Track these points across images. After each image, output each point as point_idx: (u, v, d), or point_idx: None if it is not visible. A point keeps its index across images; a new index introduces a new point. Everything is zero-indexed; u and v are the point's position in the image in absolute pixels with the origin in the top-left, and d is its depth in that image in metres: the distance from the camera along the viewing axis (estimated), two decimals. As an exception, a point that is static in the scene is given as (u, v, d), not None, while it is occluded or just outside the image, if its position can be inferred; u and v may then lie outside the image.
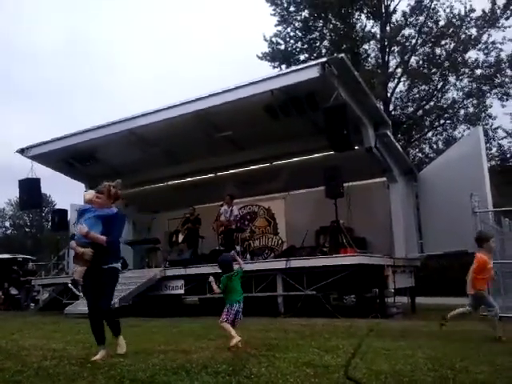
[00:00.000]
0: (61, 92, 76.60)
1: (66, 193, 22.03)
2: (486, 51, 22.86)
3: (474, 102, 23.99)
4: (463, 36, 22.83)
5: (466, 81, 23.78)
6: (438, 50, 23.61)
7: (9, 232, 53.14)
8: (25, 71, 76.69)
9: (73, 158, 13.30)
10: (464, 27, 22.95)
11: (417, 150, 26.57)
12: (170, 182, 14.30)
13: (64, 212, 14.91)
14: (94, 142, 12.18)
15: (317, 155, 11.56)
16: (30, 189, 13.04)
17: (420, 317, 9.72)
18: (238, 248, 11.72)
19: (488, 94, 23.65)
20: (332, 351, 4.50)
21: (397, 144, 11.73)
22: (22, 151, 13.03)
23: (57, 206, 37.97)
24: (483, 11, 22.37)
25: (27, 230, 52.70)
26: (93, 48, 76.77)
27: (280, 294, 9.44)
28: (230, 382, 3.54)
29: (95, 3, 78.16)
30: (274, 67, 25.20)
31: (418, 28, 23.64)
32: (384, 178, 11.64)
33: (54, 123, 61.87)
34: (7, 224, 53.93)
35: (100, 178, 14.25)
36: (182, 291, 10.56)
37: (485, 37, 22.71)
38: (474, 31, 22.86)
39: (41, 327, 7.74)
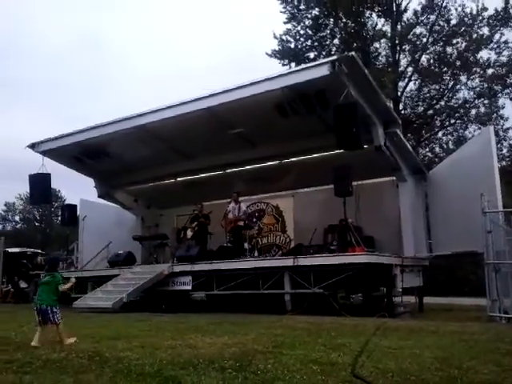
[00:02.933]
0: (72, 88, 76.82)
1: (76, 188, 22.23)
2: (498, 51, 22.58)
3: (486, 102, 23.80)
4: (475, 35, 22.59)
5: (477, 80, 23.54)
6: (449, 49, 23.38)
7: (19, 226, 53.56)
8: (36, 69, 77.03)
9: (83, 154, 13.35)
10: (476, 26, 22.70)
11: (427, 149, 26.39)
12: (178, 179, 14.33)
13: (74, 207, 15.02)
14: (104, 138, 12.23)
15: (326, 153, 11.52)
16: (40, 184, 13.12)
17: (428, 316, 9.70)
18: (245, 245, 11.74)
19: (500, 94, 23.43)
20: (339, 349, 4.50)
21: (406, 143, 11.67)
22: (32, 146, 13.12)
23: (66, 202, 38.32)
24: (496, 10, 22.14)
25: (37, 224, 53.06)
26: (105, 44, 77.06)
27: (287, 292, 9.44)
28: (237, 377, 3.56)
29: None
30: (284, 65, 25.13)
31: (429, 27, 23.43)
32: (393, 177, 11.60)
33: (66, 119, 62.02)
34: (17, 218, 54.39)
35: (109, 174, 14.53)
36: (189, 287, 10.59)
37: (497, 36, 22.43)
38: (486, 30, 22.60)
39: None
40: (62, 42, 74.97)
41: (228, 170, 13.36)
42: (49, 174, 13.10)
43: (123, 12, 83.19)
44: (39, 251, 21.49)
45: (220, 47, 77.70)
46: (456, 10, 22.90)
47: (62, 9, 77.52)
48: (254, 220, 14.28)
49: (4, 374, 3.81)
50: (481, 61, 22.88)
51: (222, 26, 77.70)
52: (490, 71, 23.04)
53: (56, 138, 12.95)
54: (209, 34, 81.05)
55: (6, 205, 53.18)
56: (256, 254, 12.55)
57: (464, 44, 22.74)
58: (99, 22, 73.77)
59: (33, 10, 75.32)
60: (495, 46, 22.58)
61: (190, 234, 12.52)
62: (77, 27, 71.94)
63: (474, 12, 22.49)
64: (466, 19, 22.77)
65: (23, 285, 15.89)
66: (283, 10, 25.04)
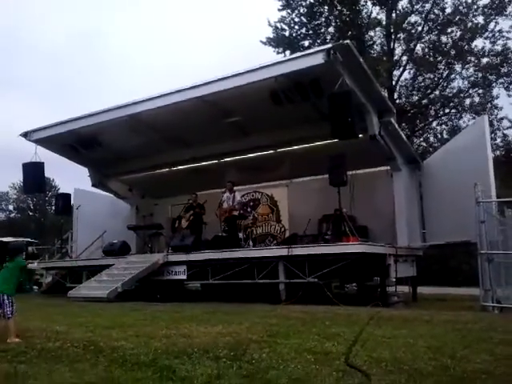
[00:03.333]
0: (72, 86, 76.08)
1: (70, 177, 22.12)
2: (492, 40, 22.57)
3: (480, 91, 23.80)
4: (470, 24, 22.54)
5: (471, 70, 23.53)
6: (444, 38, 23.34)
7: (12, 215, 53.32)
8: (36, 66, 76.14)
9: (76, 143, 13.25)
10: (471, 15, 22.65)
11: (421, 139, 26.44)
12: (173, 168, 14.28)
13: (68, 196, 14.96)
14: (97, 127, 12.13)
15: (320, 143, 11.49)
16: (33, 173, 13.03)
17: (421, 306, 9.76)
18: (240, 235, 11.75)
19: (494, 84, 23.44)
20: (333, 338, 4.53)
21: (401, 132, 11.67)
22: (25, 135, 13.01)
23: (60, 191, 38.16)
24: (490, -1, 22.10)
25: (30, 213, 52.84)
26: (104, 42, 76.29)
27: (282, 282, 9.48)
28: (232, 366, 3.58)
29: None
30: (279, 53, 24.99)
31: (424, 15, 23.34)
32: (387, 167, 11.61)
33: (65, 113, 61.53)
34: (11, 207, 54.12)
35: (103, 163, 14.43)
36: (184, 277, 10.61)
37: (492, 25, 22.41)
38: (480, 19, 22.58)
39: (44, 310, 7.82)
40: (61, 41, 74.10)
41: (223, 160, 13.30)
42: (42, 163, 13.01)
43: (123, 12, 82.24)
44: (33, 241, 21.47)
45: (218, 40, 77.09)
46: (451, -2, 22.82)
47: (58, 8, 76.62)
48: (249, 210, 14.29)
49: (-1, 363, 3.82)
50: (475, 50, 22.87)
51: (220, 19, 76.96)
52: (484, 60, 23.03)
53: (49, 127, 12.86)
54: (205, 28, 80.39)
55: (-1, 194, 52.93)
56: (251, 243, 12.58)
57: (459, 33, 22.71)
58: (99, 21, 73.15)
59: (32, 9, 74.38)
60: (490, 35, 22.58)
61: (184, 223, 12.52)
62: (76, 26, 71.30)
63: (469, 0, 22.43)
64: (460, 8, 22.71)
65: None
66: (278, -4, 24.83)
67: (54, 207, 19.45)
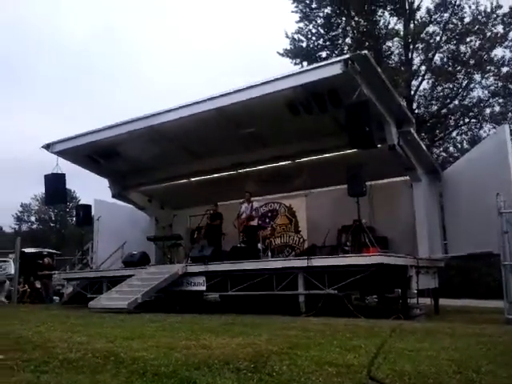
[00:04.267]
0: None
1: (91, 188, 22.43)
2: (512, 49, 22.39)
3: (500, 100, 23.53)
4: (489, 33, 22.39)
5: (491, 79, 23.36)
6: (462, 48, 23.21)
7: (34, 227, 54.23)
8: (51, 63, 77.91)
9: (96, 154, 13.44)
10: (490, 24, 22.51)
11: (441, 149, 26.21)
12: (192, 179, 14.37)
13: (88, 207, 15.13)
14: (117, 138, 12.30)
15: (339, 153, 11.45)
16: (55, 184, 13.23)
17: (444, 319, 9.58)
18: (259, 245, 11.73)
19: (514, 93, 23.17)
20: (354, 351, 4.46)
21: (420, 142, 11.57)
22: (47, 147, 13.23)
23: (81, 202, 38.68)
24: (510, 8, 21.96)
25: (52, 224, 53.68)
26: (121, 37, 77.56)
27: (301, 293, 9.41)
28: (252, 378, 3.55)
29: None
30: (296, 64, 25.13)
31: (442, 25, 23.29)
32: (407, 177, 11.50)
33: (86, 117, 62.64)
34: (33, 219, 55.08)
35: (123, 174, 14.60)
36: (203, 288, 10.60)
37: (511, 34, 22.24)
38: (500, 28, 22.44)
39: (65, 320, 7.87)
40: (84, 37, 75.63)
41: (240, 170, 13.35)
42: (63, 174, 13.21)
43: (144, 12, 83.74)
44: (55, 251, 21.76)
45: (231, 49, 77.84)
46: (470, 7, 22.82)
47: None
48: (267, 220, 14.28)
49: (22, 372, 3.85)
50: (495, 59, 22.69)
51: (233, 28, 77.73)
52: (504, 69, 22.84)
53: (70, 139, 13.05)
54: (219, 35, 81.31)
55: (21, 205, 53.94)
56: (269, 254, 12.54)
57: (478, 42, 22.56)
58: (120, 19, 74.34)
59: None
60: (510, 44, 22.38)
61: (204, 233, 12.59)
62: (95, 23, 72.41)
63: (488, 10, 22.31)
64: (479, 17, 22.59)
65: (39, 285, 16.07)
66: (295, 9, 25.05)
67: (74, 218, 19.68)
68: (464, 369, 3.71)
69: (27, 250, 18.07)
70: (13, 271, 14.78)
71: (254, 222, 11.98)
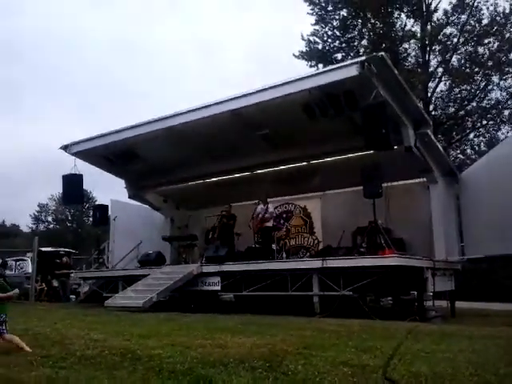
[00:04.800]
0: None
1: (107, 189, 22.68)
2: (531, 50, 22.06)
3: (519, 102, 23.23)
4: (508, 35, 22.10)
5: (510, 80, 23.05)
6: (480, 49, 22.96)
7: (51, 226, 54.91)
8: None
9: (113, 155, 13.58)
10: (509, 25, 22.24)
11: (458, 151, 25.94)
12: (207, 180, 14.43)
13: (105, 207, 15.27)
14: (133, 140, 12.42)
15: (355, 154, 11.40)
16: (72, 184, 13.42)
17: (460, 321, 9.48)
18: (274, 246, 11.74)
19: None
20: (370, 351, 4.45)
21: (438, 144, 11.48)
22: (65, 148, 13.42)
23: (98, 202, 39.08)
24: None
25: (69, 224, 54.29)
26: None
27: (316, 294, 9.40)
28: (267, 377, 3.56)
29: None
30: (311, 66, 25.10)
31: (460, 26, 23.07)
32: (424, 179, 11.41)
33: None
34: (50, 219, 55.78)
35: (139, 175, 14.71)
36: (218, 288, 10.65)
37: (530, 35, 21.94)
38: (519, 30, 22.12)
39: (82, 318, 7.97)
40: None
41: (256, 172, 13.38)
42: (81, 175, 13.39)
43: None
44: (73, 251, 22.01)
45: (246, 51, 78.12)
46: (488, 9, 22.54)
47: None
48: (282, 221, 14.27)
49: (41, 368, 3.92)
50: (514, 61, 22.36)
51: (249, 31, 77.95)
52: (523, 71, 22.48)
53: (87, 140, 13.23)
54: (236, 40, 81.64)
55: (39, 205, 54.68)
56: (284, 255, 12.53)
57: (496, 44, 22.29)
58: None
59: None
60: (529, 45, 22.02)
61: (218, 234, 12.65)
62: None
63: (507, 11, 22.01)
64: (498, 18, 22.34)
65: (56, 283, 16.27)
66: (311, 11, 25.02)
67: (91, 218, 19.87)
68: (482, 371, 3.67)
69: (44, 249, 18.29)
70: (30, 270, 14.99)
71: (269, 223, 11.99)
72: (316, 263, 9.53)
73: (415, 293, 10.11)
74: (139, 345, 4.87)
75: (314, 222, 13.95)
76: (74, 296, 16.15)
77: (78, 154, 13.42)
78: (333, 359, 4.14)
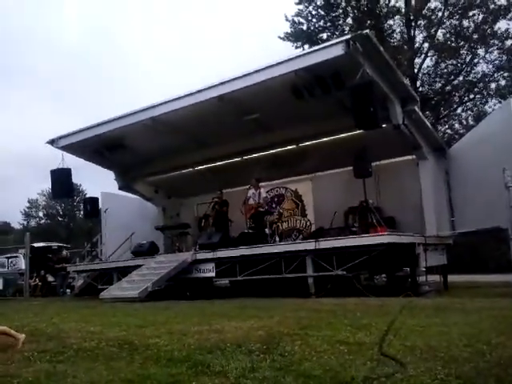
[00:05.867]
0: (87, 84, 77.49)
1: (97, 182, 22.54)
2: (517, 20, 22.03)
3: (505, 74, 23.26)
4: (492, 6, 22.03)
5: (496, 53, 23.07)
6: (465, 22, 22.91)
7: (42, 222, 54.61)
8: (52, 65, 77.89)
9: (101, 147, 13.44)
10: (493, -4, 22.15)
11: (446, 126, 26.02)
12: (197, 167, 14.38)
13: (95, 200, 15.21)
14: (120, 131, 12.31)
15: (344, 135, 11.39)
16: (61, 178, 13.32)
17: (453, 294, 9.61)
18: (266, 230, 11.76)
19: (520, 66, 22.88)
20: (365, 329, 4.50)
21: (425, 120, 11.49)
22: (51, 142, 13.27)
23: (88, 195, 38.88)
24: (513, -21, 21.56)
25: (60, 219, 54.01)
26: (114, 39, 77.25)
27: (310, 275, 9.46)
28: (265, 359, 3.58)
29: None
30: (297, 47, 24.92)
31: (444, 0, 22.92)
32: (413, 156, 11.44)
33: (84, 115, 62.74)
34: (40, 214, 55.45)
35: (129, 166, 14.62)
36: (213, 274, 10.69)
37: (515, 5, 21.88)
38: (503, 0, 22.04)
39: (78, 311, 7.97)
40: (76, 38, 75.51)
41: (246, 157, 13.34)
42: (69, 169, 13.31)
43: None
44: (65, 245, 21.93)
45: (230, 36, 77.29)
46: (472, -20, 22.33)
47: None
48: (274, 205, 14.29)
49: (39, 362, 3.92)
50: (499, 32, 22.35)
51: (232, 15, 77.04)
52: (508, 42, 22.54)
53: (74, 133, 13.08)
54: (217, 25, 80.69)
55: (29, 201, 54.30)
56: (277, 239, 12.57)
57: (481, 16, 22.24)
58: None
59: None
60: (514, 15, 21.98)
61: (211, 221, 12.64)
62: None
63: (491, -19, 21.92)
64: (482, -11, 22.20)
65: (50, 278, 16.25)
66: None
67: (82, 211, 19.80)
68: (475, 342, 3.73)
69: (37, 245, 18.21)
70: (23, 266, 14.94)
71: (261, 208, 12.00)
72: (309, 245, 9.59)
73: (408, 269, 10.20)
74: (136, 335, 4.88)
75: (305, 204, 13.97)
76: (68, 290, 16.13)
77: (65, 148, 13.30)
78: (329, 338, 4.18)
